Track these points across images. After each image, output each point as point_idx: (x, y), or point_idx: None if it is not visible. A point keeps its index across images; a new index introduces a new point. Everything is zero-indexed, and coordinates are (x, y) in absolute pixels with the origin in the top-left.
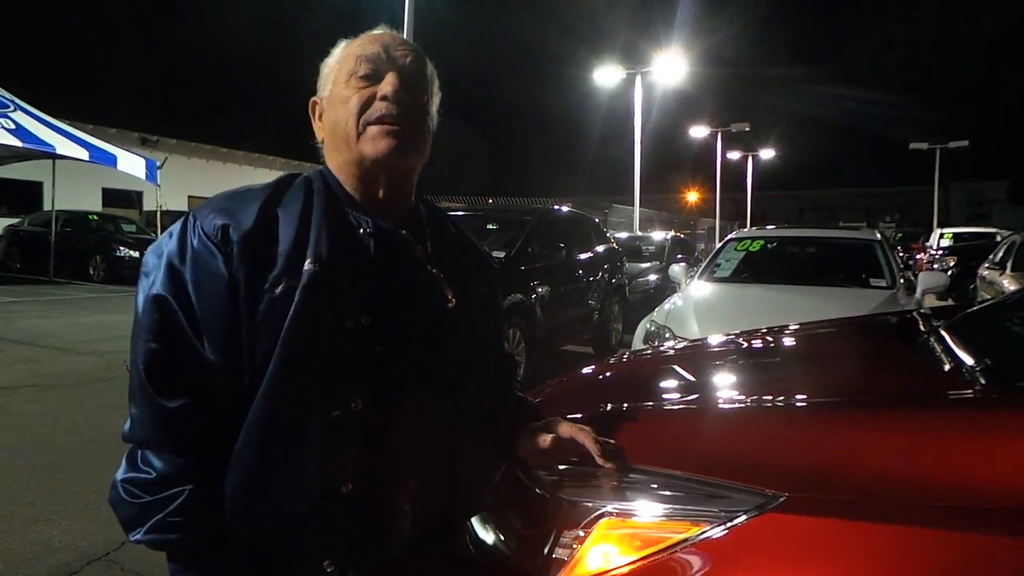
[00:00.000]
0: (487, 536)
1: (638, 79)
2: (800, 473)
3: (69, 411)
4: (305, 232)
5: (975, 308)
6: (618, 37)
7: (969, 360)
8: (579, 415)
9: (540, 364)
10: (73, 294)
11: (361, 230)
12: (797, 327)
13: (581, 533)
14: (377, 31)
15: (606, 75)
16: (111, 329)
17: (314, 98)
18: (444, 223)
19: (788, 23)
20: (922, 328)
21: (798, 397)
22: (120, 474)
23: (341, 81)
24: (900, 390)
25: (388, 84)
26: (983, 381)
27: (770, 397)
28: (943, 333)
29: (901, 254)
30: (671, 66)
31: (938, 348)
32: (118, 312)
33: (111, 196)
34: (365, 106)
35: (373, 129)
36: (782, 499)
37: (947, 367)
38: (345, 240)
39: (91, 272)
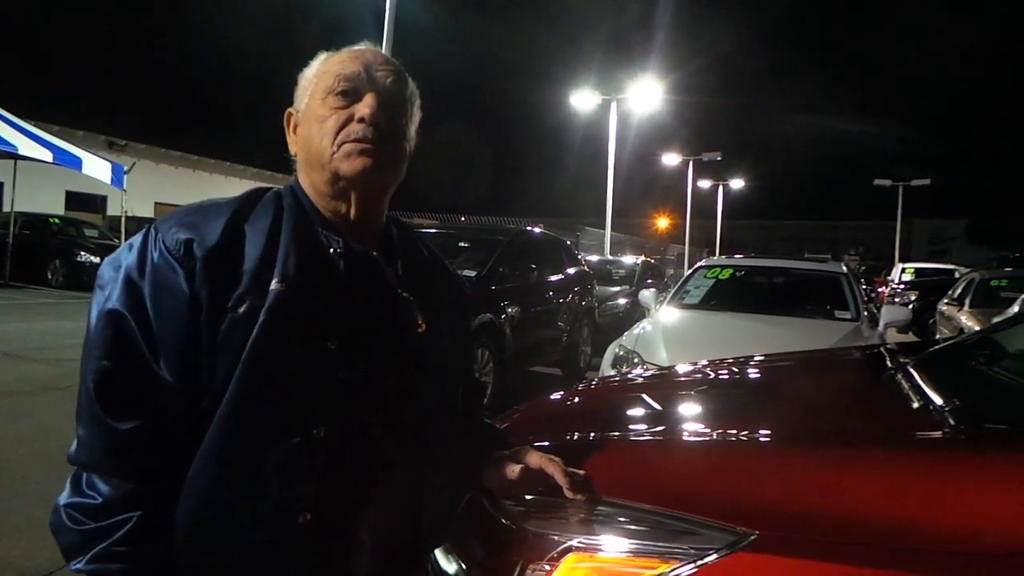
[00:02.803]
0: (449, 567)
1: (613, 105)
2: (770, 511)
3: (17, 421)
4: (273, 250)
5: (942, 345)
6: (595, 63)
7: (938, 399)
8: (546, 443)
9: (508, 384)
10: (29, 299)
11: (331, 250)
12: (769, 359)
13: (547, 567)
14: (359, 47)
15: (582, 100)
16: (68, 336)
17: (290, 109)
18: (416, 245)
19: (761, 58)
20: (889, 364)
21: (770, 433)
22: (63, 498)
23: (318, 97)
24: (872, 428)
25: (366, 106)
26: (952, 421)
27: (741, 432)
28: (912, 371)
29: (864, 287)
30: (646, 93)
31: (906, 385)
32: (76, 319)
33: (75, 200)
34: (341, 127)
35: (348, 147)
36: (753, 537)
37: (916, 405)
38: (314, 260)
39: (50, 277)
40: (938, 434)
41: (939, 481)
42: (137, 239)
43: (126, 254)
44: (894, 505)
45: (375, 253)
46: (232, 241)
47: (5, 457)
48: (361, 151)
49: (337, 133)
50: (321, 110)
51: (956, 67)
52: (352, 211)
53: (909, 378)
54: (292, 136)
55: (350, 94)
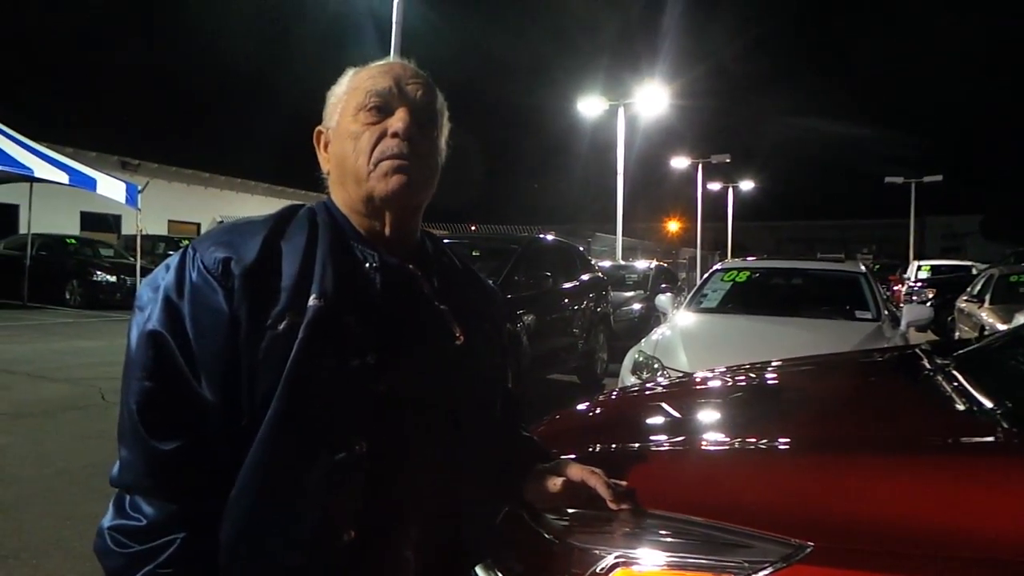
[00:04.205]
0: None
1: (621, 110)
2: (826, 521)
3: (40, 441)
4: (310, 266)
5: (975, 346)
6: (602, 69)
7: (986, 402)
8: (573, 456)
9: (526, 394)
10: (48, 319)
11: (367, 264)
12: (799, 362)
13: None
14: (387, 61)
15: (589, 106)
16: (86, 355)
17: (319, 128)
18: (450, 258)
19: (769, 58)
20: (927, 365)
21: (817, 439)
22: (107, 521)
23: (349, 114)
24: (923, 433)
25: (399, 120)
26: (1005, 424)
27: (787, 439)
28: (954, 372)
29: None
30: (654, 98)
31: (948, 387)
32: (94, 338)
33: (90, 220)
34: (376, 143)
35: (384, 165)
36: (809, 549)
37: (962, 408)
38: (351, 275)
39: (67, 297)
40: (991, 438)
41: (1001, 487)
42: (174, 259)
43: (164, 274)
44: (953, 513)
45: (411, 266)
46: (269, 258)
47: (30, 477)
48: (397, 168)
49: (372, 150)
50: (353, 126)
51: (965, 63)
52: (387, 228)
53: (951, 380)
54: (323, 154)
55: (382, 109)
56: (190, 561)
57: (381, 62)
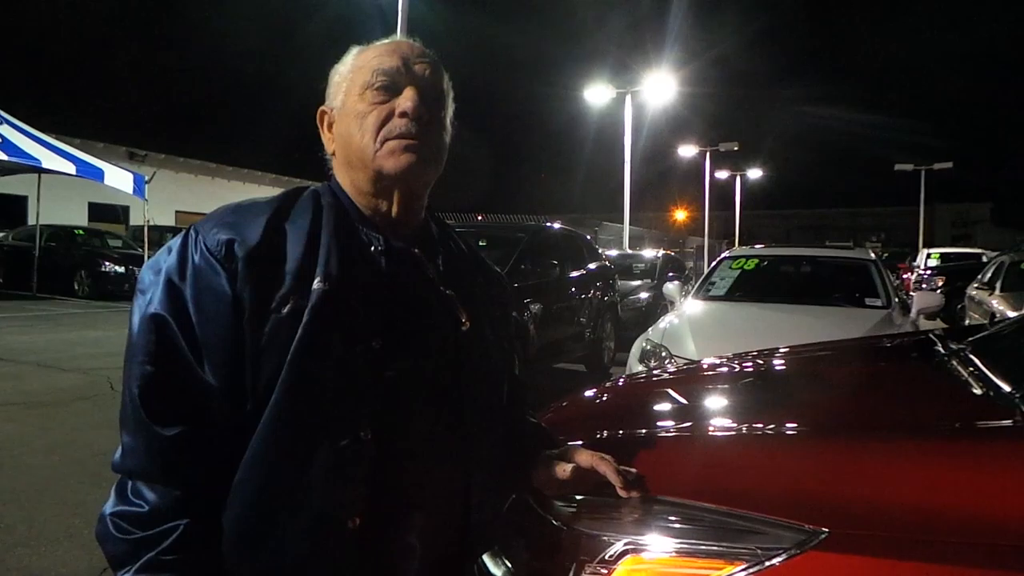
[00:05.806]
0: (496, 570)
1: (628, 98)
2: (841, 507)
3: (50, 430)
4: (314, 249)
5: (990, 331)
6: (609, 56)
7: (1004, 386)
8: (580, 442)
9: (533, 382)
10: (57, 310)
11: (372, 248)
12: (811, 348)
13: (603, 569)
14: (393, 40)
15: (596, 94)
16: (96, 346)
17: (323, 108)
18: (456, 241)
19: (777, 45)
20: (940, 350)
21: (831, 424)
22: (109, 507)
23: (355, 93)
24: (939, 418)
25: (407, 99)
26: (1023, 409)
27: (800, 424)
28: (971, 356)
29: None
30: (661, 85)
31: (964, 372)
32: (103, 328)
33: (97, 211)
34: (383, 123)
35: (392, 144)
36: (824, 535)
37: (979, 392)
38: (356, 258)
39: (76, 287)
40: (1010, 422)
41: (1019, 472)
42: (176, 241)
43: (166, 257)
44: (970, 498)
45: (416, 250)
46: (274, 241)
47: (39, 466)
48: (405, 147)
49: (379, 129)
50: (360, 106)
51: (975, 50)
52: (394, 208)
53: (967, 364)
54: (327, 135)
55: (389, 88)
56: (193, 548)
57: (387, 40)
